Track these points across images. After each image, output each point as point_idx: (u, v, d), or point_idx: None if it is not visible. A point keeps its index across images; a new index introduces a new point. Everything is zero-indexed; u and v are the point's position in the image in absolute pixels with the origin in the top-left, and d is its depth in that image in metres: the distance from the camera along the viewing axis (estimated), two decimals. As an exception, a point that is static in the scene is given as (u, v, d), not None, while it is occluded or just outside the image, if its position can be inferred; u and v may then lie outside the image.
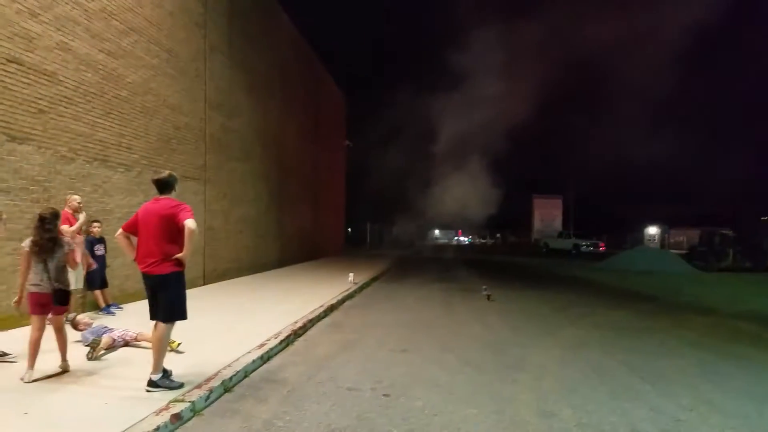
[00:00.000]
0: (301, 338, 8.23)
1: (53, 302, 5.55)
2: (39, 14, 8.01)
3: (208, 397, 5.11)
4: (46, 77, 8.19)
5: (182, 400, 4.82)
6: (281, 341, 7.47)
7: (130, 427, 4.12)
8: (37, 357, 5.44)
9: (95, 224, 9.03)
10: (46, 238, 5.53)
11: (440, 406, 5.24)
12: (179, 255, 5.14)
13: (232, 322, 8.52)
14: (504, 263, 30.35)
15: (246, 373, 6.09)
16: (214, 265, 13.92)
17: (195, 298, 10.92)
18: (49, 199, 8.26)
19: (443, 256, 36.08)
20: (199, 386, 5.25)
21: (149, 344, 5.86)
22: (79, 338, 6.82)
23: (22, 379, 5.30)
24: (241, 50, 16.20)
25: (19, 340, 6.83)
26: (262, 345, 7.08)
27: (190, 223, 5.06)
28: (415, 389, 5.75)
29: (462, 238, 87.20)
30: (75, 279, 7.92)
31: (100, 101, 9.50)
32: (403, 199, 59.21)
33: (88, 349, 6.36)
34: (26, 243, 5.57)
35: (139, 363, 6.00)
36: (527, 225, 65.56)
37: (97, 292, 9.00)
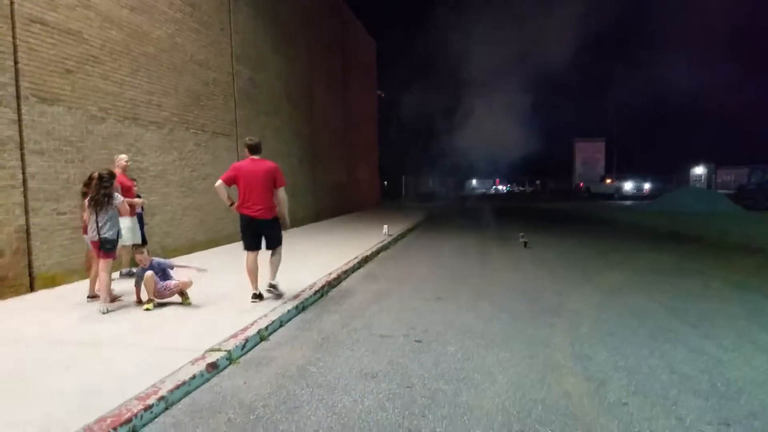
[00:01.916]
0: (335, 289, 8.29)
1: (99, 249, 6.41)
2: (59, -28, 7.96)
3: (244, 346, 5.19)
4: (71, 36, 8.18)
5: (218, 350, 4.90)
6: (316, 292, 7.53)
7: (167, 376, 4.21)
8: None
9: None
10: (102, 194, 6.35)
11: (473, 351, 5.21)
12: (286, 224, 7.24)
13: (267, 275, 8.60)
14: (543, 210, 29.93)
15: (282, 322, 6.17)
16: (250, 220, 14.04)
17: (231, 253, 11.13)
18: (83, 159, 8.38)
19: (480, 206, 35.77)
20: (235, 335, 5.33)
21: (179, 298, 6.77)
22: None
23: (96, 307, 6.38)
24: None
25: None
26: (297, 296, 7.16)
27: (282, 192, 6.99)
28: (448, 336, 5.73)
29: (500, 187, 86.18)
30: (132, 234, 8.11)
31: (127, 59, 9.48)
32: (439, 150, 58.41)
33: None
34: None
35: (175, 317, 6.17)
36: (568, 169, 64.24)
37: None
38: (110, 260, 6.55)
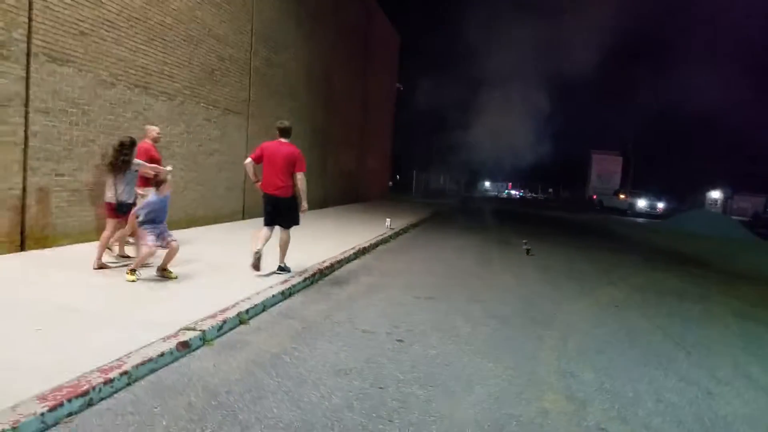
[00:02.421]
0: (327, 278, 8.15)
1: (116, 211, 6.79)
2: (80, -68, 7.83)
3: (220, 328, 5.08)
4: (87, -2, 8.08)
5: (193, 329, 4.79)
6: (305, 279, 7.40)
7: (135, 351, 4.10)
8: (104, 251, 6.88)
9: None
10: (121, 160, 6.72)
11: (455, 356, 5.06)
12: (303, 205, 7.44)
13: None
14: (553, 218, 29.62)
15: (265, 306, 6.04)
16: (253, 201, 13.91)
17: (231, 231, 11.07)
18: (88, 122, 8.28)
19: (489, 208, 35.50)
20: (213, 316, 5.21)
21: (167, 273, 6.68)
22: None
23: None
24: (291, -20, 15.74)
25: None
26: (285, 281, 7.02)
27: (301, 177, 7.32)
28: (432, 337, 5.58)
29: (513, 191, 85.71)
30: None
31: (143, 27, 9.36)
32: (454, 148, 58.10)
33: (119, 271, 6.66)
34: None
35: (156, 290, 6.08)
36: (582, 180, 63.59)
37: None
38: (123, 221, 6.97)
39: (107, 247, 7.04)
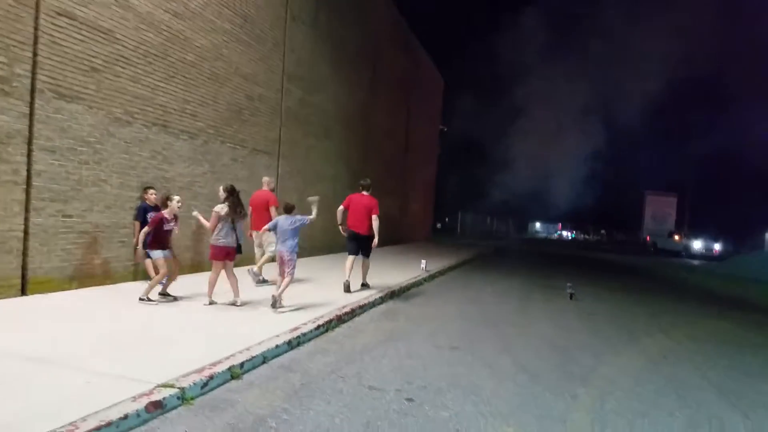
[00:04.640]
0: (345, 324, 7.51)
1: (236, 252, 7.62)
2: (95, -31, 7.74)
3: (206, 384, 4.50)
4: (101, 34, 7.90)
5: (171, 386, 4.23)
6: (319, 326, 6.78)
7: (91, 414, 3.56)
8: (213, 290, 7.41)
9: (151, 191, 8.76)
10: (239, 208, 7.53)
11: (470, 419, 4.33)
12: (375, 240, 9.78)
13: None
14: (603, 261, 28.24)
15: (265, 358, 5.45)
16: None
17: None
18: (99, 161, 8.05)
19: (538, 250, 34.26)
20: (200, 370, 4.65)
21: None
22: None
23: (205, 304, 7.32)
24: (328, 22, 15.64)
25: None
26: (294, 329, 6.42)
27: (375, 218, 9.61)
28: (448, 395, 4.87)
29: (564, 233, 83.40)
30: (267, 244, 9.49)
31: (163, 64, 9.19)
32: (502, 190, 57.04)
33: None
34: (220, 208, 7.40)
35: (149, 338, 5.59)
36: (636, 222, 61.28)
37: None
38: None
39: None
